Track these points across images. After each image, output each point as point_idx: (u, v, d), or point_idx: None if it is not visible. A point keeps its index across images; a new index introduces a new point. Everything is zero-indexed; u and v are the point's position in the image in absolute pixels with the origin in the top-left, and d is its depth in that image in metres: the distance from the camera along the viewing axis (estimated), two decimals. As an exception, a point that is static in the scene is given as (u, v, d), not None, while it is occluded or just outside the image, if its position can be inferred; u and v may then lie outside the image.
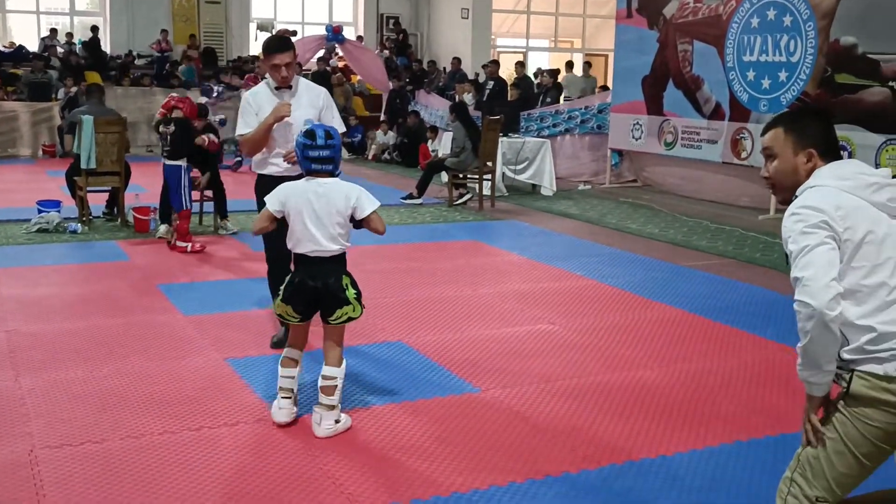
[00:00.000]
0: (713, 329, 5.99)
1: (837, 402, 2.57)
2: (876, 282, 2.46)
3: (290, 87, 5.31)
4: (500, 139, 11.75)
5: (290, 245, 4.23)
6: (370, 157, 16.73)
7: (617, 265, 7.92)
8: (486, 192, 11.31)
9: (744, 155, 10.99)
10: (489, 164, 11.25)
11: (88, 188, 9.08)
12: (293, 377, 4.26)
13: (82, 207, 9.15)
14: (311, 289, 4.13)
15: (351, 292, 4.17)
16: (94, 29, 18.97)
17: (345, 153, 17.34)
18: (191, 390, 4.66)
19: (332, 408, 4.16)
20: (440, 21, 22.74)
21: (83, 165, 8.89)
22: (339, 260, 4.22)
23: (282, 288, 4.23)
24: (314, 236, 4.13)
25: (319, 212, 4.12)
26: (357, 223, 4.23)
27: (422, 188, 11.45)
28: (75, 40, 19.43)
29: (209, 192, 9.20)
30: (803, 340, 2.46)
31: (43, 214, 8.93)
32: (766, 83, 10.64)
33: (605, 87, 16.77)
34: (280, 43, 5.29)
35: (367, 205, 4.18)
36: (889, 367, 2.46)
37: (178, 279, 7.13)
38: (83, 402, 4.45)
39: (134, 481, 3.62)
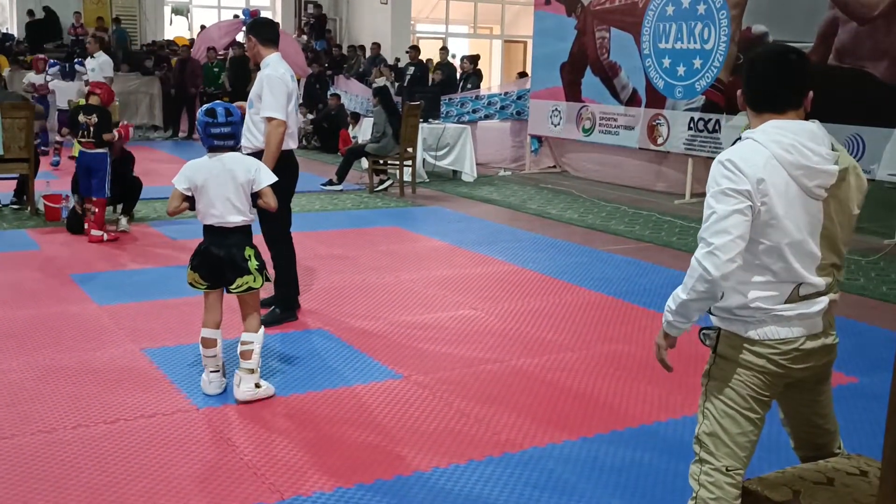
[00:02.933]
0: (632, 311, 6.07)
1: (709, 367, 2.69)
2: (763, 262, 2.53)
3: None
4: (421, 125, 11.72)
5: (199, 217, 4.41)
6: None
7: (538, 250, 7.97)
8: (407, 178, 11.27)
9: (660, 141, 11.16)
10: (410, 149, 11.22)
11: (-5, 175, 8.79)
12: (215, 355, 4.43)
13: (-11, 195, 8.86)
14: (215, 257, 4.32)
15: (253, 263, 4.35)
16: (31, 13, 18.31)
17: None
18: (106, 382, 4.55)
19: (251, 371, 4.33)
20: (360, 6, 22.57)
21: (-11, 152, 8.60)
22: (244, 231, 4.41)
23: (191, 257, 4.42)
24: (217, 208, 4.32)
25: (222, 185, 4.31)
26: (253, 196, 4.42)
27: (342, 174, 11.36)
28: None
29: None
30: (687, 294, 2.55)
31: (-53, 203, 8.62)
32: (681, 70, 10.81)
33: (523, 74, 16.83)
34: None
35: (265, 178, 4.41)
36: (752, 330, 2.57)
37: (91, 268, 6.94)
38: (-8, 396, 4.31)
39: (46, 478, 3.51)
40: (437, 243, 8.18)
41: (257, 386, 4.36)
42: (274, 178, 4.46)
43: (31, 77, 13.88)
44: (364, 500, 3.43)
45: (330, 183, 11.30)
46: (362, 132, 13.25)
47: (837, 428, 2.85)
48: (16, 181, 9.21)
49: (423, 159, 12.23)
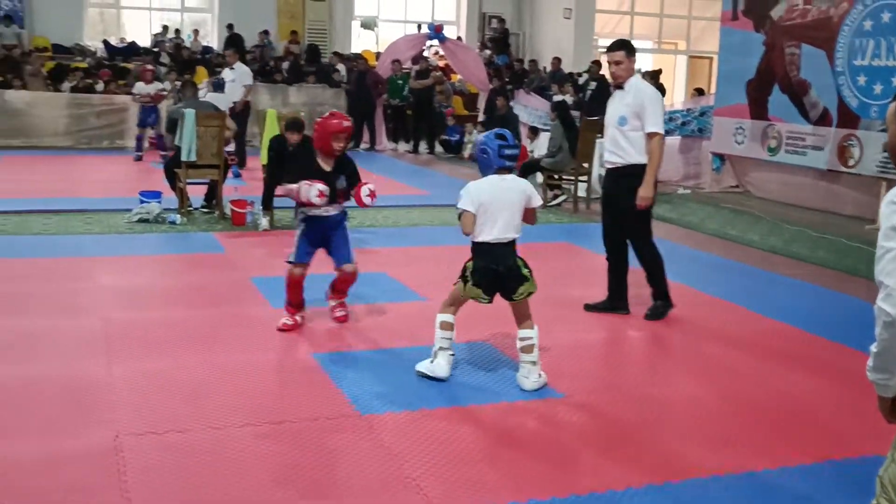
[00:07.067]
0: (809, 341, 5.77)
1: None
2: None
3: (621, 88, 5.96)
4: (598, 140, 11.57)
5: (475, 234, 4.70)
6: (467, 157, 16.65)
7: (713, 272, 7.72)
8: (582, 193, 11.16)
9: (851, 162, 10.59)
10: (585, 165, 11.11)
11: (188, 180, 9.26)
12: (450, 338, 4.82)
13: (182, 199, 9.33)
14: (495, 273, 4.69)
15: (525, 270, 4.74)
16: (230, 27, 19.31)
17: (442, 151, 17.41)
18: (276, 383, 4.70)
19: (533, 363, 4.73)
20: (542, 21, 22.59)
21: (184, 158, 9.08)
22: (513, 245, 4.76)
23: (468, 274, 4.73)
24: (499, 225, 4.67)
25: (505, 204, 4.68)
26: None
27: (516, 188, 11.33)
28: (184, 36, 19.98)
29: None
30: (876, 347, 2.37)
31: (144, 205, 9.15)
32: (877, 88, 10.21)
33: (700, 91, 16.37)
34: (612, 44, 6.03)
35: (535, 200, 4.83)
36: None
37: (271, 272, 7.16)
38: (170, 391, 4.52)
39: (213, 472, 3.66)
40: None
41: (539, 376, 4.72)
42: (540, 202, 4.88)
43: (142, 87, 14.92)
44: (517, 519, 3.39)
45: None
46: (539, 147, 13.21)
47: None
48: (206, 186, 9.68)
49: (599, 175, 12.06)
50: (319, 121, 5.63)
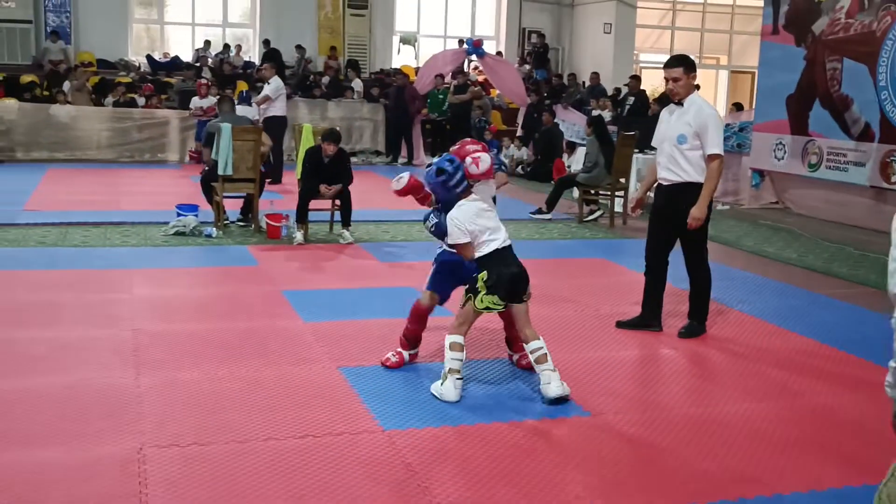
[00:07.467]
0: (847, 362, 5.66)
1: None
2: None
3: (680, 104, 5.87)
4: (635, 155, 11.50)
5: (478, 250, 4.78)
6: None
7: (749, 290, 7.61)
8: (618, 209, 11.08)
9: (894, 178, 10.41)
10: (622, 180, 11.03)
11: (224, 194, 9.33)
12: (461, 360, 4.77)
13: (218, 212, 9.40)
14: (512, 275, 4.77)
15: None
16: (266, 42, 19.48)
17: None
18: (300, 397, 4.70)
19: (553, 370, 4.72)
20: (582, 35, 22.54)
21: (220, 172, 9.15)
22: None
23: (483, 285, 4.74)
24: (496, 234, 4.79)
25: (490, 216, 4.83)
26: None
27: (551, 203, 11.28)
28: (230, 51, 20.18)
29: (338, 202, 9.23)
30: (894, 360, 2.33)
31: (181, 218, 9.23)
32: (921, 104, 10.06)
33: (739, 106, 16.22)
34: (670, 59, 5.98)
35: (495, 183, 5.01)
36: None
37: (302, 286, 7.23)
38: (196, 403, 4.54)
39: (234, 486, 3.66)
40: (642, 277, 7.93)
41: (562, 383, 4.72)
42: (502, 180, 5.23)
43: (196, 101, 15.42)
44: (537, 538, 3.35)
45: (539, 211, 11.26)
46: (576, 161, 13.15)
47: None
48: (242, 200, 9.75)
49: (636, 190, 11.98)
50: (454, 150, 5.01)
